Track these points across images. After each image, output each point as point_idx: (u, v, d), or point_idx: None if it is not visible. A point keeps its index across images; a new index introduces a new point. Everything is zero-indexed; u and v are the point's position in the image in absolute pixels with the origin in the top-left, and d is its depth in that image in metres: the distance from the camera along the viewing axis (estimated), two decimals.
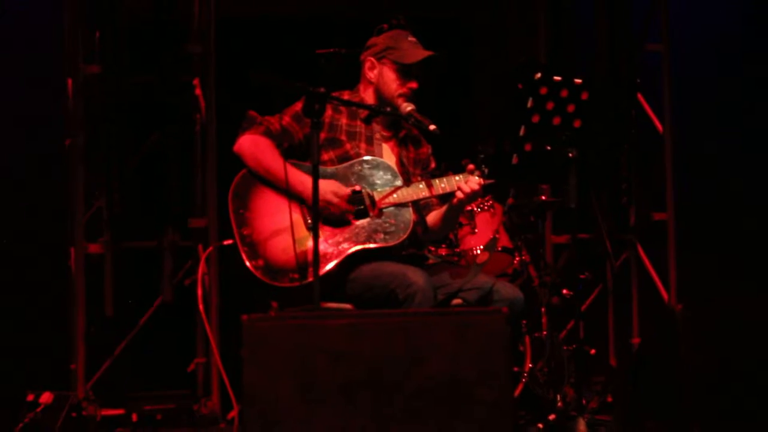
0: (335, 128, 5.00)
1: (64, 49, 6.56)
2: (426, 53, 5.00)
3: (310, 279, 4.56)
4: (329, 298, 4.66)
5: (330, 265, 4.75)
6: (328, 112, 4.98)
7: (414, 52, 5.01)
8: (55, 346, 6.49)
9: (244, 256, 4.74)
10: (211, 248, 6.26)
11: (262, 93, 4.85)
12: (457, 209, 4.94)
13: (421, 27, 5.17)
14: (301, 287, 4.68)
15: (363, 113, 5.03)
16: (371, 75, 5.07)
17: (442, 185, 4.85)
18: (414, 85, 5.02)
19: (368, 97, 5.08)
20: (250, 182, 4.88)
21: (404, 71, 5.01)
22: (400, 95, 5.00)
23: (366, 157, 4.94)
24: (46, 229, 6.63)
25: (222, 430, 6.22)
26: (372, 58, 5.06)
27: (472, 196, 4.82)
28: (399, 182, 4.88)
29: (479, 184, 4.79)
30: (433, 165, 5.20)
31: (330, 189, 4.78)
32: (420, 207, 5.05)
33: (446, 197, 4.96)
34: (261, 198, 4.86)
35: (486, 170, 4.77)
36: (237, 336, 3.83)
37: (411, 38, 5.06)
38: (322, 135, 4.94)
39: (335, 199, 4.78)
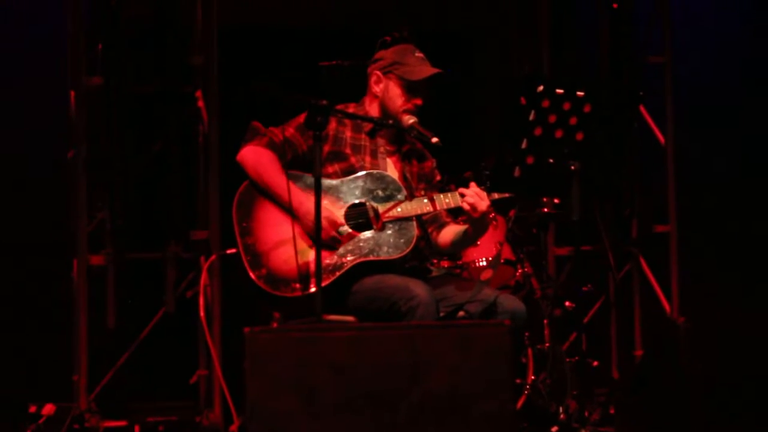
0: (340, 141, 4.99)
1: (66, 60, 6.57)
2: (433, 71, 4.98)
3: (313, 289, 4.57)
4: (331, 310, 4.66)
5: (332, 277, 4.75)
6: (333, 124, 4.98)
7: (421, 68, 4.99)
8: (58, 358, 6.49)
9: (246, 266, 4.75)
10: (213, 257, 6.25)
11: (265, 105, 4.86)
12: (473, 235, 4.92)
13: (423, 38, 5.17)
14: (303, 298, 4.68)
15: (367, 127, 5.03)
16: (377, 89, 5.05)
17: (446, 200, 4.84)
18: (419, 101, 5.00)
19: (373, 110, 5.07)
20: (255, 192, 4.89)
21: (410, 87, 4.99)
22: (404, 111, 4.99)
23: (370, 171, 4.95)
24: (48, 241, 6.64)
25: None
26: (378, 72, 5.05)
27: (482, 216, 4.78)
28: (402, 196, 4.88)
29: (488, 201, 4.78)
30: (438, 178, 5.18)
31: (324, 215, 4.74)
32: (424, 222, 5.05)
33: (452, 212, 4.96)
34: (265, 208, 4.86)
35: (489, 184, 4.77)
36: (240, 348, 3.83)
37: (418, 53, 5.04)
38: (327, 148, 4.95)
39: (323, 224, 4.75)
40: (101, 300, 6.46)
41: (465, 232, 4.94)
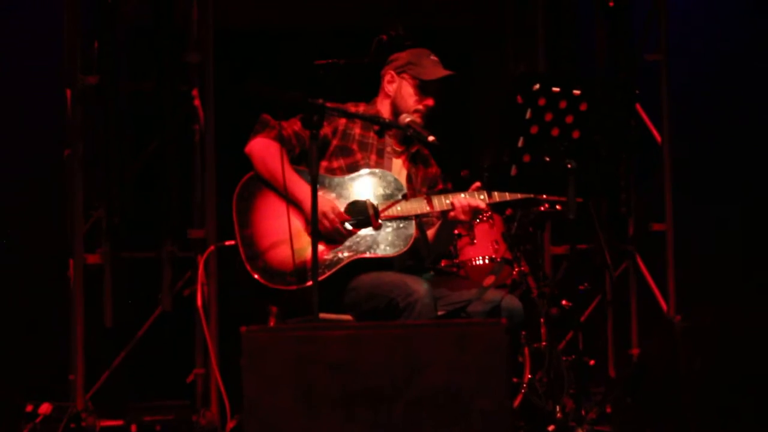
0: (348, 137, 5.03)
1: (62, 59, 6.57)
2: (446, 72, 5.04)
3: (309, 283, 4.56)
4: (328, 307, 4.67)
5: (329, 272, 4.75)
6: (342, 120, 5.01)
7: (434, 69, 5.06)
8: (55, 357, 6.49)
9: (243, 258, 4.75)
10: (211, 247, 6.22)
11: (262, 103, 4.86)
12: (450, 223, 4.94)
13: (419, 36, 5.19)
14: (299, 291, 4.68)
15: (376, 125, 5.04)
16: (390, 88, 5.11)
17: (446, 201, 4.85)
18: (430, 102, 5.06)
19: (384, 109, 5.12)
20: (256, 185, 4.91)
21: (423, 87, 5.05)
22: (415, 111, 5.02)
23: (374, 169, 4.96)
24: (45, 240, 6.63)
25: None
26: (392, 72, 5.11)
27: (472, 213, 4.82)
28: (403, 196, 4.89)
29: (485, 202, 4.81)
30: (440, 186, 5.22)
31: (328, 205, 4.78)
32: (422, 224, 5.06)
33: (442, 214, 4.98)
34: (265, 202, 4.88)
35: (490, 186, 4.79)
36: (236, 347, 3.83)
37: (433, 57, 5.12)
38: (335, 142, 5.01)
39: (330, 215, 4.77)
40: (98, 299, 6.46)
41: (440, 225, 4.98)
